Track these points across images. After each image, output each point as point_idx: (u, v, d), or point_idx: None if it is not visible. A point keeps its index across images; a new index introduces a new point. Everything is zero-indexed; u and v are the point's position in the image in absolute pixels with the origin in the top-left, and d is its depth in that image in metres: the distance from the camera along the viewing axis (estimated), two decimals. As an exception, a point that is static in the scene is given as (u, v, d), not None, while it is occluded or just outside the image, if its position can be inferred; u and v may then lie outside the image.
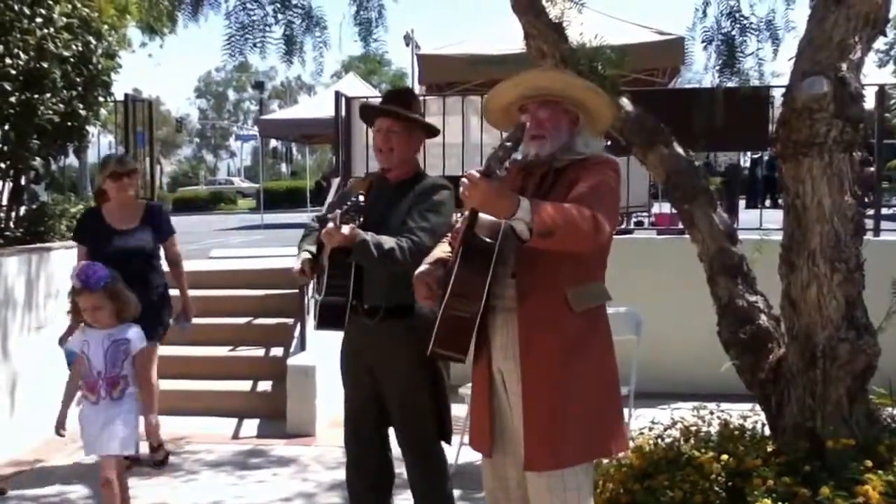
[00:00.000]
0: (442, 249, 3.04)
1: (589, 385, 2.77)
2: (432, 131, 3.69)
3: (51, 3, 6.52)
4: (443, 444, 3.65)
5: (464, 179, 2.57)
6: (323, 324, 3.60)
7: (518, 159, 2.56)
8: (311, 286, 4.01)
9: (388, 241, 3.30)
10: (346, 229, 3.23)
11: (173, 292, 5.55)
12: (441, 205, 3.49)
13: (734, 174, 13.69)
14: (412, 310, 3.44)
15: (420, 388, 3.49)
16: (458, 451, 4.96)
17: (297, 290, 6.73)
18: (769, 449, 3.34)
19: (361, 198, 3.35)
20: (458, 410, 5.17)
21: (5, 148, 6.56)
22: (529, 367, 2.75)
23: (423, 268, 2.99)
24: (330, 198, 6.85)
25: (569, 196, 2.69)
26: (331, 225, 3.25)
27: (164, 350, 7.08)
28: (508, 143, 2.57)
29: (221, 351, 7.09)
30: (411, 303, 3.44)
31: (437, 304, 2.83)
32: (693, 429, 3.72)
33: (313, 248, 3.59)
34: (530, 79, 2.93)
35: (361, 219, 3.36)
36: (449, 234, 3.10)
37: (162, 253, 5.47)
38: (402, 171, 3.58)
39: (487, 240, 2.73)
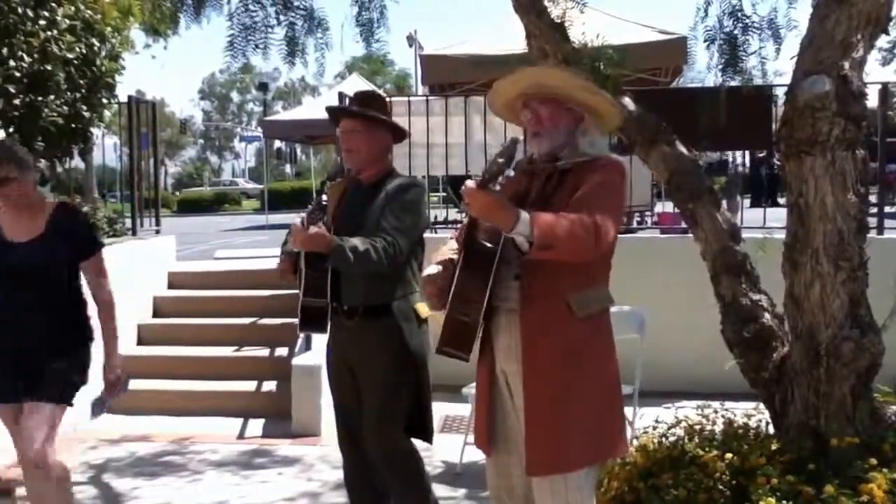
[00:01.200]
0: (450, 248, 3.06)
1: (591, 389, 2.77)
2: (398, 132, 3.69)
3: (54, 5, 6.55)
4: (432, 445, 3.68)
5: (463, 189, 2.58)
6: (305, 326, 3.64)
7: (511, 175, 2.56)
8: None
9: (363, 244, 3.31)
10: (312, 230, 3.25)
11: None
12: (413, 204, 3.51)
13: (723, 170, 13.46)
14: (390, 309, 3.47)
15: (397, 386, 3.49)
16: (463, 451, 4.97)
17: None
18: (773, 447, 3.34)
19: (325, 197, 3.38)
20: (464, 410, 5.20)
21: (10, 150, 6.58)
22: (532, 372, 2.75)
23: (431, 269, 3.01)
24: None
25: (572, 200, 2.69)
26: (297, 224, 3.28)
27: (169, 350, 7.15)
28: (501, 160, 2.55)
29: (226, 351, 7.11)
30: (389, 302, 3.47)
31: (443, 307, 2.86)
32: (697, 427, 3.72)
33: (295, 249, 3.60)
34: (529, 76, 2.93)
35: (326, 217, 3.39)
36: (456, 231, 3.11)
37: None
38: (373, 171, 3.59)
39: (489, 245, 2.74)
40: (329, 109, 3.77)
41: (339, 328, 3.57)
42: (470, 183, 2.58)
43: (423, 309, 3.52)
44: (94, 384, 3.92)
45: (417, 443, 3.67)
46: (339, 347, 3.63)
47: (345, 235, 3.36)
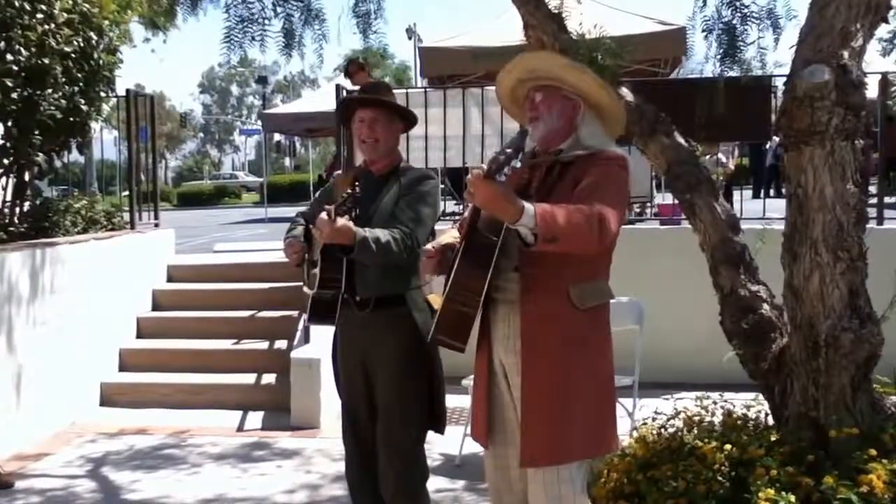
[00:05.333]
0: (451, 235, 3.05)
1: (588, 383, 2.77)
2: (411, 120, 3.65)
3: (51, -2, 6.53)
4: (444, 435, 3.63)
5: (468, 178, 2.57)
6: (314, 318, 3.58)
7: (518, 167, 2.54)
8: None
9: (383, 235, 3.28)
10: (340, 222, 3.16)
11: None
12: (428, 195, 3.49)
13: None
14: (403, 300, 3.44)
15: (409, 377, 3.45)
16: (462, 443, 4.97)
17: (300, 283, 6.75)
18: (772, 439, 3.33)
19: (358, 190, 3.24)
20: (464, 402, 5.19)
21: (8, 144, 6.57)
22: (530, 364, 2.74)
23: (429, 245, 3.00)
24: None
25: (575, 192, 2.68)
26: (323, 216, 3.17)
27: (168, 343, 7.15)
28: (509, 150, 2.53)
29: (226, 344, 7.11)
30: (402, 292, 3.44)
31: (437, 274, 2.88)
32: (696, 419, 3.72)
33: (300, 237, 3.55)
34: (522, 61, 2.95)
35: (357, 211, 3.29)
36: (457, 220, 3.10)
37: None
38: (386, 162, 3.56)
39: (490, 237, 2.72)
40: (347, 99, 3.68)
41: (349, 321, 3.51)
42: (476, 172, 2.56)
43: (435, 300, 3.48)
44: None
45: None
46: (350, 341, 3.57)
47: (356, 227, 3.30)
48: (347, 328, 3.57)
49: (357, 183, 3.28)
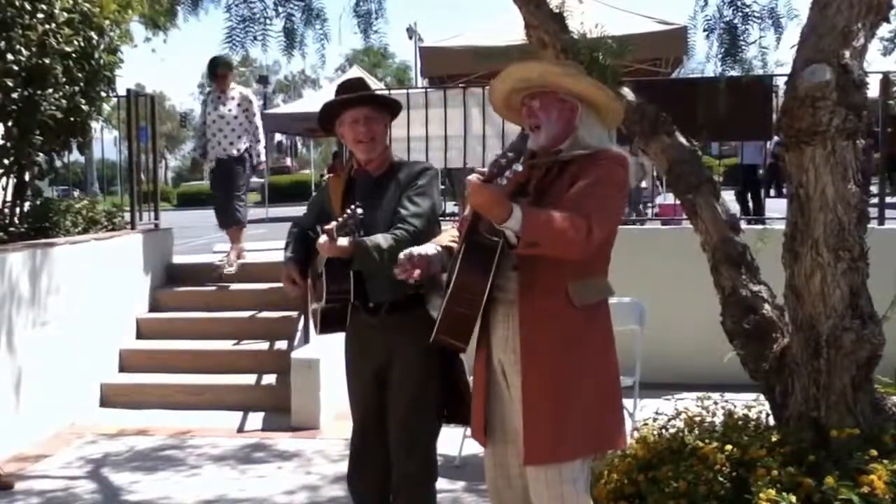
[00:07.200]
0: (450, 235, 3.04)
1: (589, 380, 2.76)
2: (396, 110, 3.61)
3: (52, -2, 6.53)
4: (441, 442, 3.60)
5: (467, 180, 2.57)
6: (326, 328, 3.53)
7: (519, 170, 2.55)
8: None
9: (385, 240, 3.25)
10: (343, 241, 3.15)
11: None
12: (429, 187, 3.47)
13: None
14: (420, 298, 3.38)
15: (427, 378, 3.42)
16: (462, 444, 4.96)
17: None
18: (773, 439, 3.32)
19: (360, 211, 3.19)
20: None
21: (8, 144, 6.57)
22: (529, 363, 2.74)
23: (428, 248, 2.99)
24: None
25: (569, 193, 2.68)
26: (324, 239, 3.16)
27: (167, 344, 7.14)
28: (511, 154, 2.55)
29: (226, 345, 7.10)
30: (416, 292, 3.40)
31: (416, 282, 2.89)
32: (697, 419, 3.71)
33: (294, 256, 3.52)
34: (513, 72, 2.94)
35: (360, 233, 3.25)
36: (456, 220, 3.09)
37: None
38: (383, 159, 3.52)
39: (492, 238, 2.72)
40: (337, 101, 3.54)
41: (361, 327, 3.48)
42: (473, 176, 2.56)
43: None
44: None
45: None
46: (364, 347, 3.53)
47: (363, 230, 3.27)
48: (360, 334, 3.53)
49: (358, 205, 3.20)
